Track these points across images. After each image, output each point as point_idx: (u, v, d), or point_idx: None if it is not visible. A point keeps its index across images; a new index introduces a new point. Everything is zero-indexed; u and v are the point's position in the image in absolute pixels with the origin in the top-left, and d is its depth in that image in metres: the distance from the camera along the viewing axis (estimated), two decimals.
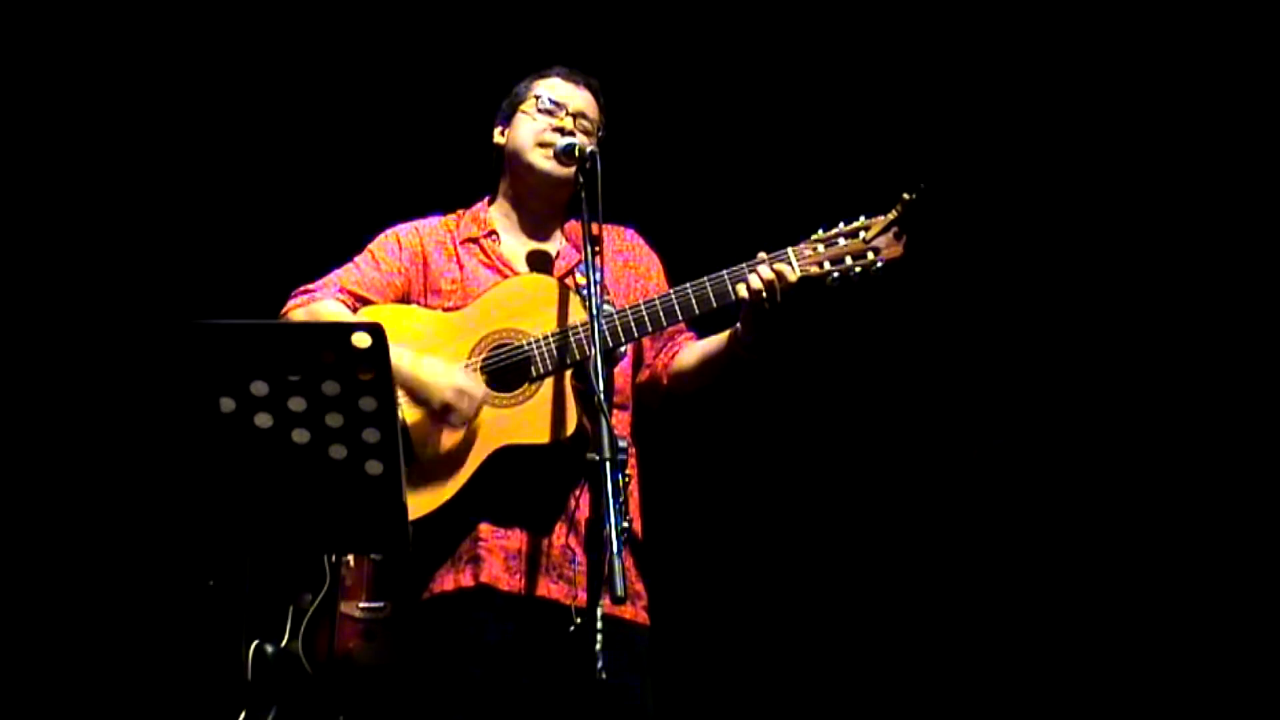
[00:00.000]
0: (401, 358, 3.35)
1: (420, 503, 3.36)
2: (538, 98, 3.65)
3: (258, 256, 5.20)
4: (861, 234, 3.47)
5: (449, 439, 3.40)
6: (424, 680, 3.42)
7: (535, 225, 3.68)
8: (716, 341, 3.61)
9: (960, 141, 5.27)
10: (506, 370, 3.44)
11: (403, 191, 4.84)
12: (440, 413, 3.40)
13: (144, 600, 5.28)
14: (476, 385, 3.41)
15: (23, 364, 5.26)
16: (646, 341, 3.67)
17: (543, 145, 3.59)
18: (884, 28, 5.35)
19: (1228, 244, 5.24)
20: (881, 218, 3.47)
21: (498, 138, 3.71)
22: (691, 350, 3.67)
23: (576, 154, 3.42)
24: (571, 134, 3.56)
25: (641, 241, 3.76)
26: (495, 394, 3.42)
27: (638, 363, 3.70)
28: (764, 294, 3.39)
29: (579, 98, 3.66)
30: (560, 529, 3.42)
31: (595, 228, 3.29)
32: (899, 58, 5.35)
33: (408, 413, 3.42)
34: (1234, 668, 5.13)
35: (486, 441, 3.40)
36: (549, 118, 3.62)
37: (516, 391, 3.43)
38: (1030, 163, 5.31)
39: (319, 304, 3.52)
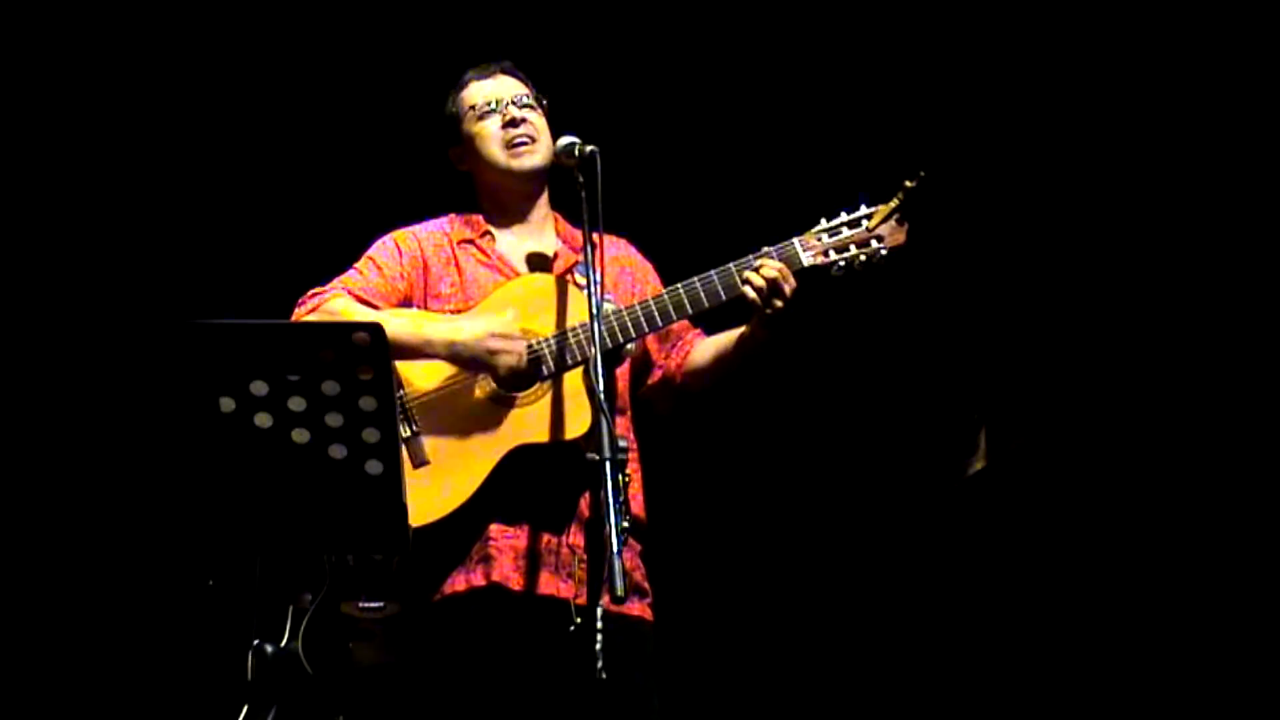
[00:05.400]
0: (437, 326, 3.42)
1: (440, 505, 3.37)
2: (472, 108, 3.63)
3: (258, 257, 5.20)
4: (864, 223, 3.49)
5: (464, 441, 3.40)
6: (436, 680, 3.42)
7: (525, 221, 3.68)
8: (729, 337, 3.61)
9: (960, 127, 5.27)
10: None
11: (401, 196, 4.83)
12: (491, 366, 3.38)
13: (144, 600, 5.27)
14: (514, 333, 3.41)
15: (23, 364, 5.25)
16: (654, 344, 3.66)
17: (509, 146, 3.59)
18: (882, 15, 5.34)
19: (1229, 231, 5.23)
20: (884, 206, 3.50)
21: (458, 163, 3.69)
22: (704, 347, 3.66)
23: (577, 153, 3.40)
24: (523, 120, 3.57)
25: (635, 251, 3.76)
26: (506, 394, 3.43)
27: (646, 365, 3.70)
28: (767, 292, 3.40)
29: (504, 86, 3.65)
30: (568, 528, 3.43)
31: (596, 235, 3.29)
32: (897, 45, 5.34)
33: (423, 417, 3.42)
34: (1234, 668, 5.13)
35: (501, 442, 3.40)
36: (494, 118, 3.61)
37: (529, 391, 3.43)
38: (1031, 147, 5.31)
39: (333, 302, 3.50)
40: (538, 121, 3.62)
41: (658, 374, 3.69)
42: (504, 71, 3.68)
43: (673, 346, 3.69)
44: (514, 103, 3.61)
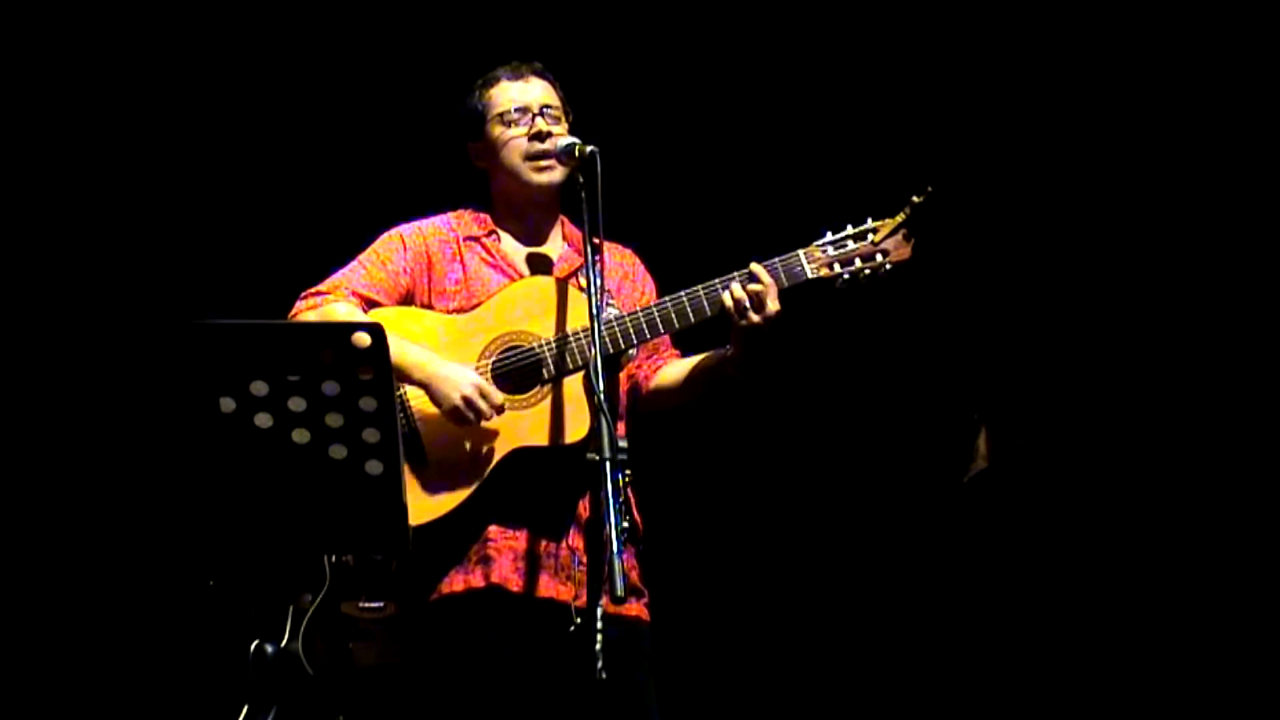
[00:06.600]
0: (422, 357, 3.39)
1: (435, 505, 3.37)
2: (501, 115, 3.59)
3: (259, 257, 5.20)
4: (870, 236, 3.50)
5: (463, 442, 3.40)
6: (433, 680, 3.42)
7: (534, 227, 3.66)
8: (703, 359, 3.61)
9: (967, 143, 5.27)
10: (517, 373, 3.43)
11: (404, 191, 4.84)
12: (456, 410, 3.36)
13: (144, 600, 5.28)
14: (494, 390, 3.39)
15: (23, 364, 5.26)
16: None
17: (531, 158, 3.56)
18: (891, 29, 5.34)
19: (1233, 245, 5.24)
20: (890, 220, 3.50)
21: (475, 159, 3.65)
22: (675, 367, 3.66)
23: (577, 153, 3.40)
24: (548, 134, 3.53)
25: (640, 262, 3.75)
26: (508, 396, 3.43)
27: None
28: (745, 304, 3.40)
29: (535, 92, 3.60)
30: (567, 531, 3.42)
31: (597, 237, 3.28)
32: (905, 60, 5.35)
33: (422, 417, 3.42)
34: (1234, 667, 5.13)
35: (500, 444, 3.40)
36: (520, 128, 3.57)
37: (529, 394, 3.43)
38: (1038, 163, 5.31)
39: (331, 307, 3.49)
40: (562, 135, 3.56)
41: (629, 379, 3.68)
42: (535, 74, 3.63)
43: (648, 357, 3.69)
44: (541, 114, 3.57)
